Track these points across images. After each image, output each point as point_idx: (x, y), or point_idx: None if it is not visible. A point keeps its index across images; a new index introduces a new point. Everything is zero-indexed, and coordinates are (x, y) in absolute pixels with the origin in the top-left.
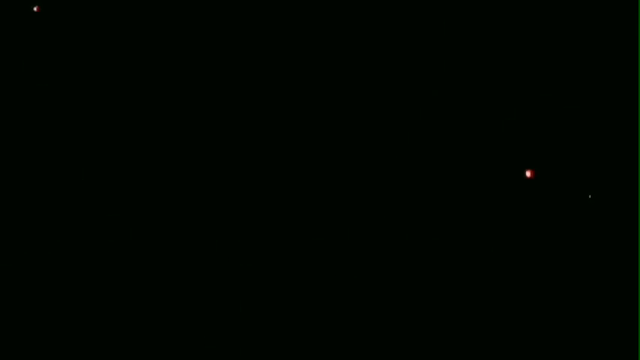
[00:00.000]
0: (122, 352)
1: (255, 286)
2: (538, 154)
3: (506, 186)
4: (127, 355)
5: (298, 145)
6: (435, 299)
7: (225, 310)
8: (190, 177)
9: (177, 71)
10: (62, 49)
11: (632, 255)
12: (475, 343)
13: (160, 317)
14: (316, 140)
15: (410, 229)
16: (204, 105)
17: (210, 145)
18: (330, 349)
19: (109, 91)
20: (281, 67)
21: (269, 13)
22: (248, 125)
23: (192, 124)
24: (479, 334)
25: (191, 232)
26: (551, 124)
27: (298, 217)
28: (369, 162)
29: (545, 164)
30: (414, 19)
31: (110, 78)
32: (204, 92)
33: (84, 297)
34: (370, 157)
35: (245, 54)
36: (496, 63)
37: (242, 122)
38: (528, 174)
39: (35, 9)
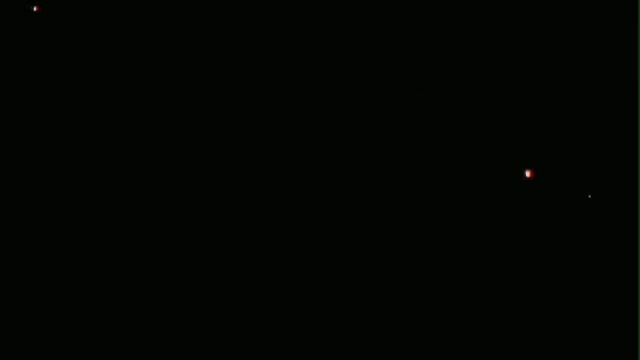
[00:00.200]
0: (122, 352)
1: (255, 286)
2: (538, 154)
3: (506, 186)
4: (127, 355)
5: (298, 145)
6: (435, 299)
7: (225, 310)
8: (190, 177)
9: (177, 71)
10: (62, 49)
11: (632, 255)
12: (475, 343)
13: (160, 317)
14: (316, 140)
15: (410, 228)
16: (204, 105)
17: (210, 144)
18: (330, 349)
19: (109, 90)
20: (281, 67)
21: (269, 13)
22: (248, 125)
23: (192, 124)
24: (479, 334)
25: (191, 232)
26: (551, 124)
27: (298, 217)
28: (369, 162)
29: (545, 164)
30: (414, 19)
31: (110, 78)
32: (204, 92)
33: (84, 297)
34: (370, 156)
35: (245, 54)
36: (496, 63)
37: (242, 122)
38: (528, 174)
39: (35, 9)
